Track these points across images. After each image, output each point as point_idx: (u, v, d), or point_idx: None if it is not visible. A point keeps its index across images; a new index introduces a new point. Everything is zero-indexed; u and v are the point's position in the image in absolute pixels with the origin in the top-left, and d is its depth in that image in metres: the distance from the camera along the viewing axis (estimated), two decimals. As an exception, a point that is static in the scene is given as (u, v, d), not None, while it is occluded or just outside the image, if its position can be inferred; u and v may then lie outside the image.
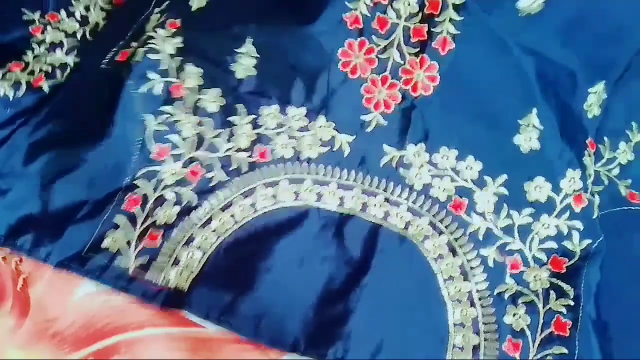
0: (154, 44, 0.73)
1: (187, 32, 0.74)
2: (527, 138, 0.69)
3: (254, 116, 0.71)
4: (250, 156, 0.70)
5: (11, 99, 0.79)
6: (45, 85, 0.80)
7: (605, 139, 0.74)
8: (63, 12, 0.89)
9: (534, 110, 0.70)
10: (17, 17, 0.87)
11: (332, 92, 0.72)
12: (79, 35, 0.87)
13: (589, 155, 0.71)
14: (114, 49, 0.79)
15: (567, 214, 0.68)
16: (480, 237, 0.68)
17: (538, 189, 0.68)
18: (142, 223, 0.65)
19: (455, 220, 0.68)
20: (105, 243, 0.63)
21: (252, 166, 0.70)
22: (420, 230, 0.67)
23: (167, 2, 0.80)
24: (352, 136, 0.71)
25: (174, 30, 0.74)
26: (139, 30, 0.80)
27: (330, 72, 0.71)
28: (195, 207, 0.67)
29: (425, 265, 0.66)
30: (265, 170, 0.70)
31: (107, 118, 0.71)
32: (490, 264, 0.66)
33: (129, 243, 0.64)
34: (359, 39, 0.71)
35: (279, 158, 0.70)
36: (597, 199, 0.70)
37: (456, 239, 0.67)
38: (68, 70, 0.82)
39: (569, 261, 0.65)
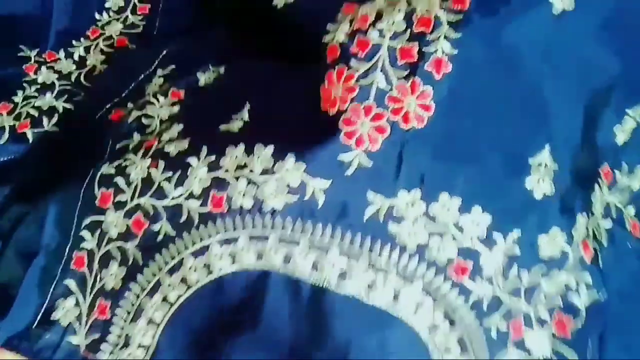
0: (151, 111, 0.72)
1: (188, 103, 0.72)
2: (540, 180, 0.56)
3: (213, 158, 0.61)
4: (202, 205, 0.59)
5: None
6: (29, 133, 0.77)
7: (624, 163, 0.62)
8: (62, 52, 0.88)
9: (547, 147, 0.56)
10: (13, 53, 0.87)
11: (305, 132, 0.60)
12: (73, 78, 0.85)
13: (600, 188, 0.59)
14: (108, 105, 0.77)
15: (579, 266, 0.55)
16: (485, 308, 0.53)
17: (552, 242, 0.55)
18: (92, 288, 0.61)
19: (455, 287, 0.53)
20: (57, 314, 0.61)
21: (205, 218, 0.58)
22: (410, 300, 0.53)
23: (172, 67, 0.78)
24: (328, 181, 0.56)
25: (176, 100, 0.72)
26: (138, 90, 0.78)
27: (308, 113, 0.62)
28: (142, 268, 0.60)
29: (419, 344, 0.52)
30: (219, 223, 0.58)
31: (70, 168, 0.69)
32: (494, 335, 0.52)
33: (79, 316, 0.60)
34: (336, 67, 0.60)
35: (236, 209, 0.58)
36: (604, 242, 0.58)
37: (454, 310, 0.53)
38: (56, 117, 0.80)
39: (573, 319, 0.53)
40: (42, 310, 0.61)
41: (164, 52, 0.81)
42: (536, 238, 0.54)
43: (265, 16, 0.74)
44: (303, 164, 0.57)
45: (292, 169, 0.57)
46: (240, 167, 0.59)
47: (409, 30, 0.58)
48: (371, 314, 0.53)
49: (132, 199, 0.63)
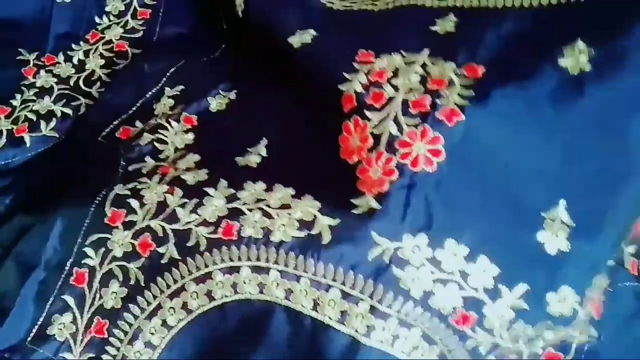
0: (165, 135, 0.72)
1: (202, 131, 0.72)
2: (554, 235, 0.54)
3: (233, 191, 0.62)
4: (212, 232, 0.59)
5: None
6: (27, 137, 0.77)
7: None
8: (61, 56, 0.87)
9: (562, 203, 0.55)
10: (12, 56, 0.86)
11: (327, 180, 0.61)
12: (72, 82, 0.84)
13: (625, 244, 0.58)
14: (115, 122, 0.77)
15: (587, 322, 0.54)
16: (483, 352, 0.53)
17: (563, 301, 0.53)
18: (90, 307, 0.61)
19: (455, 334, 0.53)
20: (52, 330, 0.60)
21: (212, 244, 0.59)
22: (407, 343, 0.53)
23: (181, 88, 0.78)
24: (336, 220, 0.57)
25: (189, 126, 0.73)
26: (146, 108, 0.78)
27: (330, 162, 0.62)
28: (143, 290, 0.59)
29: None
30: (224, 251, 0.58)
31: (79, 185, 0.69)
32: None
33: (75, 333, 0.60)
34: (352, 118, 0.61)
35: (244, 237, 0.58)
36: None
37: (450, 351, 0.53)
38: (54, 122, 0.79)
39: (564, 356, 0.53)
40: (38, 325, 0.61)
41: (172, 70, 0.81)
42: (545, 294, 0.54)
43: (281, 52, 0.74)
44: (318, 203, 0.58)
45: (307, 207, 0.58)
46: (259, 200, 0.60)
47: (423, 87, 0.59)
48: (369, 353, 0.53)
49: (142, 220, 0.63)
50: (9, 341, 0.60)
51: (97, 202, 0.65)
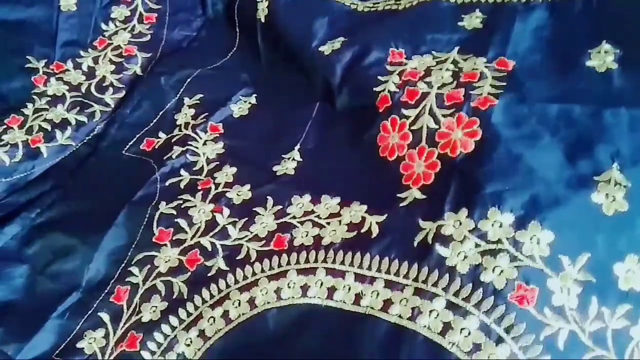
0: (195, 147, 0.74)
1: (230, 138, 0.74)
2: (610, 197, 0.50)
3: (280, 207, 0.63)
4: (264, 245, 0.60)
5: (8, 164, 0.76)
6: (43, 148, 0.78)
7: None
8: (70, 63, 0.88)
9: (615, 165, 0.52)
10: (21, 64, 0.85)
11: (371, 182, 0.62)
12: (83, 89, 0.85)
13: None
14: (138, 135, 0.79)
15: None
16: (561, 346, 0.45)
17: (631, 272, 0.47)
18: (126, 322, 0.60)
19: (522, 320, 0.46)
20: (82, 344, 0.60)
21: (262, 256, 0.59)
22: (466, 338, 0.46)
23: (200, 96, 0.81)
24: (383, 216, 0.57)
25: (216, 134, 0.75)
26: (168, 119, 0.80)
27: (370, 162, 0.64)
28: (185, 302, 0.59)
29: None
30: (274, 260, 0.58)
31: (120, 204, 0.69)
32: None
33: (105, 347, 0.59)
34: (390, 118, 0.63)
35: (295, 246, 0.59)
36: None
37: (524, 348, 0.45)
38: (69, 130, 0.80)
39: None
40: (68, 339, 0.60)
41: (188, 80, 0.83)
42: (612, 265, 0.48)
43: (309, 59, 0.76)
44: (365, 206, 0.59)
45: (355, 211, 0.59)
46: (307, 212, 0.61)
47: (456, 81, 0.62)
48: (413, 340, 0.48)
49: (192, 237, 0.64)
50: (35, 354, 0.60)
51: (144, 223, 0.67)
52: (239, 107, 0.78)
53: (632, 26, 0.57)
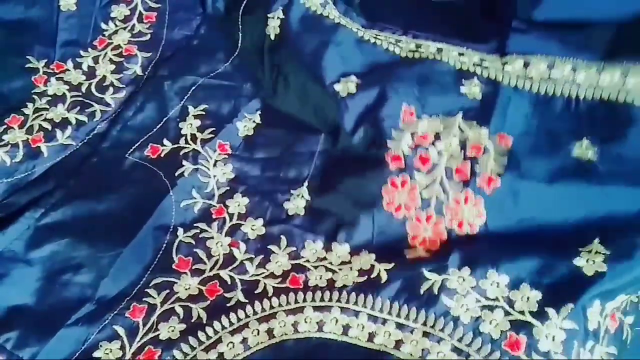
0: (206, 167, 0.76)
1: (238, 161, 0.77)
2: (591, 261, 0.59)
3: (294, 249, 0.68)
4: (280, 282, 0.65)
5: (8, 164, 0.76)
6: (44, 147, 0.77)
7: None
8: (70, 62, 0.87)
9: (596, 240, 0.61)
10: (21, 63, 0.86)
11: (378, 232, 0.68)
12: (83, 89, 0.84)
13: None
14: (141, 139, 0.79)
15: (606, 339, 0.58)
16: None
17: (595, 315, 0.58)
18: (143, 337, 0.62)
19: None
20: (98, 354, 0.61)
21: (279, 292, 0.64)
22: None
23: (205, 107, 0.82)
24: (391, 265, 0.64)
25: (225, 155, 0.77)
26: (173, 127, 0.81)
27: (375, 211, 0.69)
28: (204, 326, 0.62)
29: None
30: (291, 296, 0.64)
31: (136, 219, 0.71)
32: None
33: (121, 358, 0.60)
34: (401, 176, 0.69)
35: (310, 286, 0.65)
36: (630, 318, 0.61)
37: None
38: (69, 129, 0.80)
39: None
40: (83, 348, 0.62)
41: (192, 88, 0.84)
42: (586, 311, 0.57)
43: (320, 92, 0.78)
44: (374, 255, 0.66)
45: (365, 260, 0.66)
46: (320, 259, 0.67)
47: (463, 153, 0.68)
48: None
49: (211, 269, 0.67)
50: (54, 356, 0.61)
51: (162, 248, 0.69)
52: (244, 124, 0.80)
53: (608, 129, 0.66)
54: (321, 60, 0.78)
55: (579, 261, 0.59)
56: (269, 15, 0.85)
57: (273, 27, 0.84)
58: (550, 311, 0.57)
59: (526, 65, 0.71)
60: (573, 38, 0.70)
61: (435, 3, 0.82)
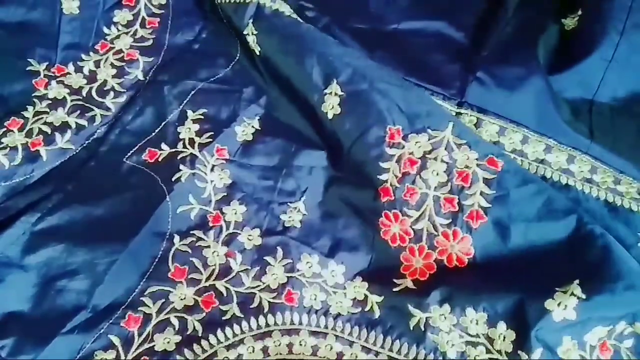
0: (204, 172, 0.76)
1: (236, 167, 0.77)
2: (563, 306, 0.60)
3: (290, 261, 0.70)
4: (275, 297, 0.67)
5: (7, 167, 0.75)
6: (43, 151, 0.77)
7: None
8: (71, 66, 0.87)
9: (576, 282, 0.61)
10: (22, 66, 0.85)
11: (375, 259, 0.70)
12: (84, 92, 0.84)
13: None
14: (139, 143, 0.79)
15: None
16: None
17: (572, 352, 0.60)
18: (138, 347, 0.63)
19: None
20: None
21: (275, 308, 0.66)
22: None
23: (204, 112, 0.82)
24: (381, 297, 0.67)
25: (222, 160, 0.77)
26: (171, 131, 0.80)
27: (375, 239, 0.71)
28: (200, 339, 0.64)
29: None
30: (287, 315, 0.66)
31: (132, 225, 0.71)
32: None
33: None
34: (392, 211, 0.70)
35: (305, 307, 0.67)
36: (628, 342, 0.62)
37: None
38: (69, 133, 0.79)
39: None
40: (77, 357, 0.62)
41: (192, 93, 0.84)
42: (556, 351, 0.60)
43: (311, 109, 0.79)
44: (366, 284, 0.68)
45: (358, 287, 0.68)
46: (316, 274, 0.69)
47: (450, 183, 0.69)
48: None
49: (207, 279, 0.68)
50: None
51: (159, 255, 0.70)
52: (243, 130, 0.80)
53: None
54: (304, 69, 0.78)
55: (550, 304, 0.60)
56: (244, 32, 0.86)
57: (253, 42, 0.85)
58: (523, 356, 0.60)
59: (478, 124, 0.76)
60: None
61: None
